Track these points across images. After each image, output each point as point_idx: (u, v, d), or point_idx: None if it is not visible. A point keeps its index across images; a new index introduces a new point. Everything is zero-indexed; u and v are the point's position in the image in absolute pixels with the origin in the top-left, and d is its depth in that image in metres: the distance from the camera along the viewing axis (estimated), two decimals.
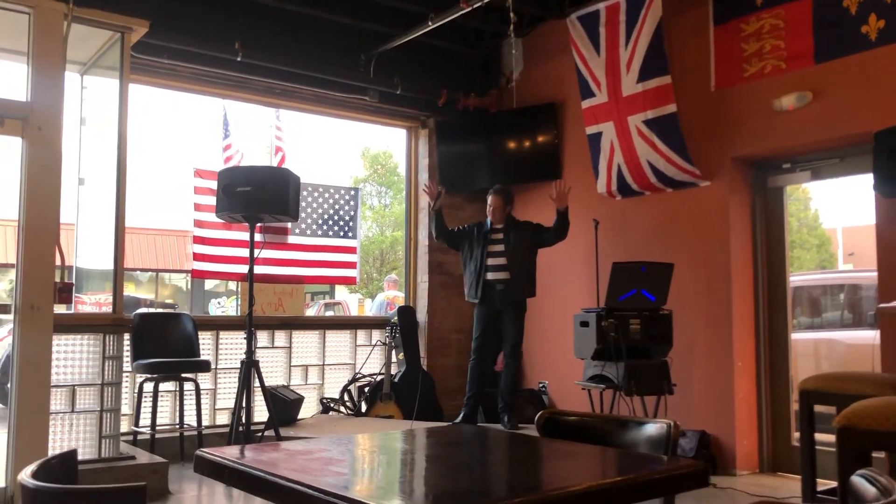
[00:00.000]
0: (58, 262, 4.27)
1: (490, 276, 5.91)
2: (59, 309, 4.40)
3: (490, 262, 5.92)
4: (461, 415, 6.09)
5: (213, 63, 5.95)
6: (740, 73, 5.31)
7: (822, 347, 6.49)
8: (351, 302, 17.87)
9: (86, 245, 5.16)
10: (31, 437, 4.03)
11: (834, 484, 3.33)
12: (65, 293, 4.34)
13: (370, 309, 11.20)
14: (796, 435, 5.02)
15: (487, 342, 6.08)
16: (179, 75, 6.00)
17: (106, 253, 4.72)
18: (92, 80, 5.24)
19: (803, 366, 5.74)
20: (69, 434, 4.46)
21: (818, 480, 3.80)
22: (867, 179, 4.39)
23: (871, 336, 5.28)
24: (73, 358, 4.50)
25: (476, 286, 5.93)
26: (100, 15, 4.58)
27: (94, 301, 5.23)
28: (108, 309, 4.70)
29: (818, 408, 3.77)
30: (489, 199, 6.06)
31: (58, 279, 4.27)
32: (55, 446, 4.32)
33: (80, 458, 4.31)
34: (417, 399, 6.40)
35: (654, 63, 5.53)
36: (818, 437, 3.79)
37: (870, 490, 1.30)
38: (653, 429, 2.04)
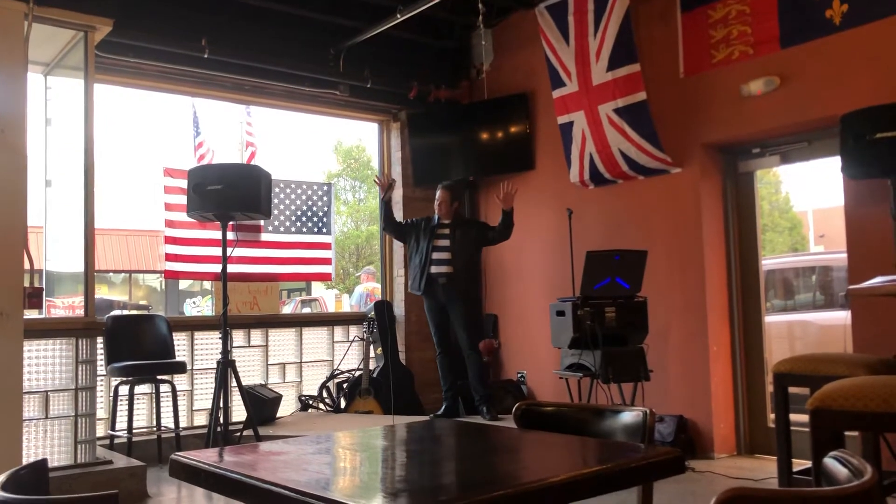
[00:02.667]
0: (27, 266, 4.20)
1: (433, 269, 6.05)
2: (31, 314, 4.33)
3: (435, 255, 6.06)
4: (443, 408, 6.15)
5: (180, 60, 5.87)
6: (708, 60, 5.35)
7: (795, 329, 6.56)
8: (328, 298, 17.80)
9: (56, 248, 5.09)
10: (4, 447, 3.96)
11: (810, 463, 3.37)
12: (34, 298, 4.27)
13: (350, 302, 11.17)
14: (772, 417, 5.08)
15: (445, 335, 6.22)
16: (146, 74, 5.92)
17: (76, 255, 4.66)
18: (56, 80, 5.15)
19: (777, 348, 5.80)
20: (43, 441, 4.40)
21: (795, 461, 3.85)
22: (835, 162, 4.43)
23: (843, 317, 5.35)
24: (45, 363, 4.44)
25: (420, 279, 6.09)
26: (62, 14, 4.51)
27: (66, 304, 5.15)
28: (80, 312, 4.63)
29: (794, 389, 3.82)
30: (437, 193, 6.21)
31: (27, 284, 4.20)
32: (29, 454, 4.25)
33: (55, 464, 4.28)
34: (399, 394, 6.39)
35: (622, 51, 5.55)
36: (794, 417, 3.83)
37: (842, 471, 1.31)
38: (629, 417, 2.05)
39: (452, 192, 6.19)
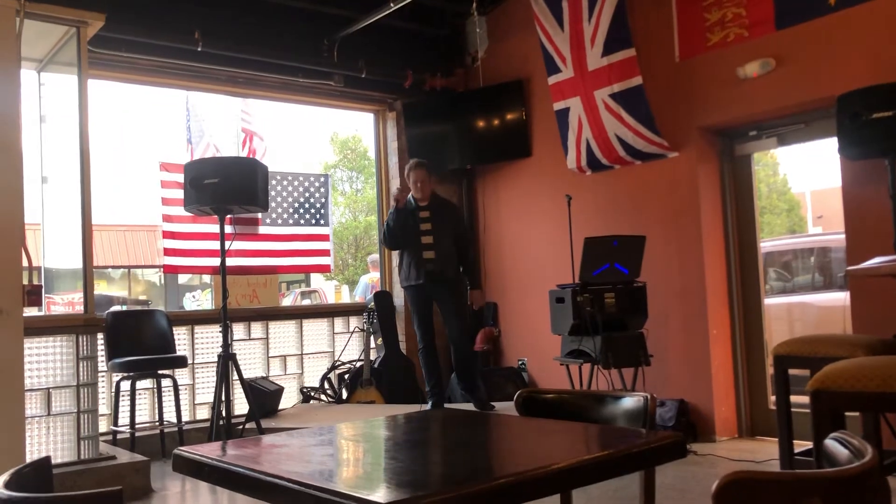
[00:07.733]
0: (25, 263, 4.19)
1: (423, 255, 5.71)
2: (31, 311, 4.33)
3: (421, 240, 5.71)
4: (429, 405, 5.78)
5: (173, 54, 5.85)
6: (704, 43, 5.33)
7: (794, 311, 6.57)
8: (328, 289, 17.79)
9: (54, 244, 5.08)
10: (7, 444, 3.97)
11: (811, 444, 3.38)
12: (34, 296, 4.25)
13: (355, 293, 11.09)
14: (773, 398, 5.09)
15: (431, 328, 5.82)
16: (140, 68, 5.89)
17: (74, 251, 4.65)
18: (49, 76, 5.13)
19: (777, 330, 5.81)
20: (46, 438, 4.41)
21: (796, 442, 3.86)
22: (832, 143, 4.43)
23: (842, 297, 5.36)
24: (46, 361, 4.44)
25: (415, 269, 5.70)
26: (53, 10, 4.48)
27: (66, 301, 5.15)
28: (80, 309, 4.63)
29: (795, 371, 3.82)
30: (414, 174, 5.79)
31: (26, 281, 4.19)
32: (33, 451, 4.26)
33: (59, 461, 4.29)
34: (401, 383, 6.40)
35: (617, 36, 5.53)
36: (796, 399, 3.84)
37: (843, 452, 1.32)
38: (630, 402, 2.05)
39: (429, 169, 5.85)
